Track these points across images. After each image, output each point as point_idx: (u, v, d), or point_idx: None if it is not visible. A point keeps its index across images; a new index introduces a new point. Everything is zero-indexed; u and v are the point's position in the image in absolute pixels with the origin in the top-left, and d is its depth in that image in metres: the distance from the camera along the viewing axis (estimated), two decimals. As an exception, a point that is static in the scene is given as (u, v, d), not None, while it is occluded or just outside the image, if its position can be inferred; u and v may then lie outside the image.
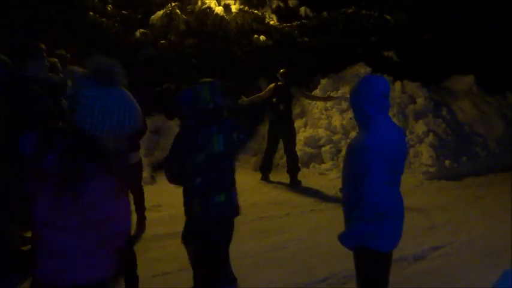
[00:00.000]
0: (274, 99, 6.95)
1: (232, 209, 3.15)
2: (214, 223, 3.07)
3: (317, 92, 8.63)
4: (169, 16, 8.03)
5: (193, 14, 8.35)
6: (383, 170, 2.35)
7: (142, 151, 5.23)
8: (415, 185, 7.10)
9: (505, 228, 5.01)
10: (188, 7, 8.40)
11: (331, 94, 7.91)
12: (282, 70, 6.99)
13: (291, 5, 9.43)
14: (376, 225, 2.40)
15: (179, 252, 4.14)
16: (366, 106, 2.44)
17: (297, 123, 8.22)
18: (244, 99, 7.04)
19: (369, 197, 2.34)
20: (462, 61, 9.89)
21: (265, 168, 7.26)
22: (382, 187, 2.35)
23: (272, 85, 7.06)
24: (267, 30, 8.99)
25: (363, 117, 2.49)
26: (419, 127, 8.06)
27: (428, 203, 6.17)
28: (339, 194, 2.75)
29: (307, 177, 7.42)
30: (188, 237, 3.32)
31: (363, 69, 9.10)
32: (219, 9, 8.29)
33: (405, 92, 8.81)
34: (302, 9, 9.44)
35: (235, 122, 3.29)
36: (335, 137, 8.15)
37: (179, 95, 3.29)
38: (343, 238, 2.54)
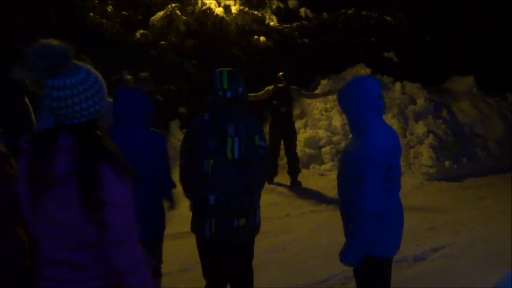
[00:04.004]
0: (274, 102, 6.89)
1: (254, 230, 2.72)
2: (230, 246, 2.68)
3: (317, 92, 8.62)
4: (170, 17, 8.02)
5: (194, 15, 8.34)
6: (378, 178, 2.28)
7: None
8: (415, 186, 7.11)
9: (506, 229, 4.99)
10: (188, 8, 8.39)
11: (331, 95, 7.87)
12: (280, 73, 6.95)
13: (291, 6, 9.42)
14: (376, 233, 2.33)
15: (180, 253, 4.14)
16: (360, 109, 2.35)
17: (297, 124, 8.20)
18: None
19: (366, 207, 2.27)
20: (462, 62, 9.90)
21: (270, 172, 6.91)
22: (378, 195, 2.29)
23: (271, 87, 6.99)
24: (267, 31, 8.98)
25: (357, 121, 2.40)
26: (419, 128, 8.06)
27: (429, 204, 6.17)
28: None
29: (307, 178, 7.41)
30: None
31: (363, 70, 9.10)
32: (219, 10, 8.27)
33: (405, 93, 8.81)
34: (302, 10, 9.44)
35: (259, 123, 2.71)
36: (335, 138, 8.14)
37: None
38: (344, 255, 2.40)
